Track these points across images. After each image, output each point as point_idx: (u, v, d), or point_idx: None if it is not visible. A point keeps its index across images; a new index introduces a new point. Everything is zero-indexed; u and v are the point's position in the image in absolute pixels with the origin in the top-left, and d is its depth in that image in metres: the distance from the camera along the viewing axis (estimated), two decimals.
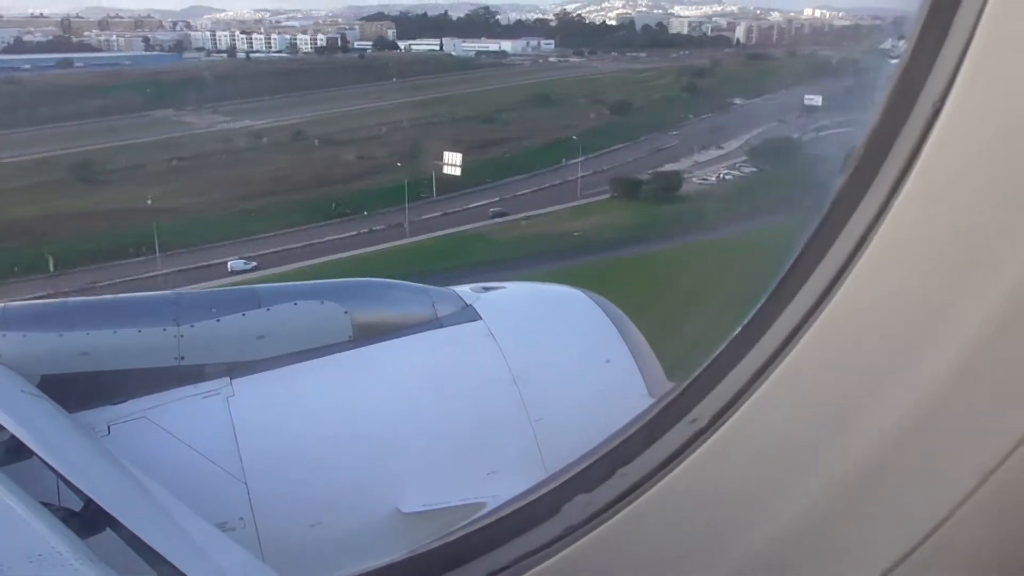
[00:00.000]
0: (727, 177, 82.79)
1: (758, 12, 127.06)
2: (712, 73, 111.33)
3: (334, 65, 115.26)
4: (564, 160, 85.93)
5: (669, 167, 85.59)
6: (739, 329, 1.85)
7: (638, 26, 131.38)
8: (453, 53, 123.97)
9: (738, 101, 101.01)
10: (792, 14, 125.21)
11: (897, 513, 1.68)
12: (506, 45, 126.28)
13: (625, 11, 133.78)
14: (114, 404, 4.22)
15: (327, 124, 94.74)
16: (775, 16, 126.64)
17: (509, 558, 1.90)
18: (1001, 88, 1.49)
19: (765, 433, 1.79)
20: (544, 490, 1.95)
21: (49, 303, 4.51)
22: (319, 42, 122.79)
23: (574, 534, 1.87)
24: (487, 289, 5.00)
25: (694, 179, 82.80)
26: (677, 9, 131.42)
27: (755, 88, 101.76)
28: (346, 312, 4.60)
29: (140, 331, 4.34)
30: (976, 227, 1.55)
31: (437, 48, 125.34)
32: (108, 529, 3.31)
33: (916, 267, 1.62)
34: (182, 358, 4.35)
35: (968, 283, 1.56)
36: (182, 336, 4.36)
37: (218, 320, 4.44)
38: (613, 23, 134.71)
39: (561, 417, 4.43)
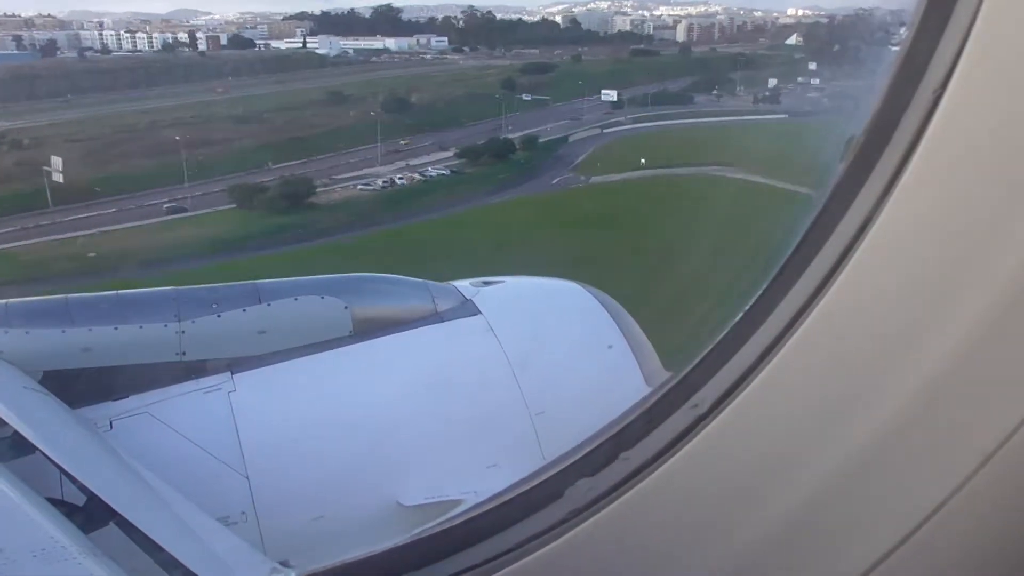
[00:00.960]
0: (401, 181, 77.39)
1: (740, 12, 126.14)
2: (555, 70, 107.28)
3: (167, 65, 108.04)
4: (269, 163, 78.51)
5: (352, 174, 79.09)
6: (741, 315, 1.87)
7: (584, 25, 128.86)
8: (320, 51, 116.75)
9: (545, 98, 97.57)
10: (775, 14, 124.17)
11: (898, 496, 1.70)
12: (390, 43, 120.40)
13: (605, 9, 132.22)
14: (116, 400, 4.24)
15: (59, 127, 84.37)
16: (755, 15, 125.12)
17: (514, 541, 1.92)
18: (1002, 76, 1.51)
19: (766, 418, 1.81)
20: (547, 474, 1.97)
21: (51, 299, 4.53)
22: (198, 42, 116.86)
23: (577, 517, 1.89)
24: (487, 284, 5.03)
25: (357, 185, 76.51)
26: (663, 9, 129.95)
27: (592, 85, 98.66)
28: (346, 307, 4.62)
29: (141, 327, 4.36)
30: (977, 214, 1.56)
31: (300, 47, 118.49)
32: (111, 523, 3.33)
33: (917, 253, 1.64)
34: (183, 353, 4.37)
35: (969, 269, 1.58)
36: (183, 332, 4.38)
37: (219, 316, 4.46)
38: (535, 20, 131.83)
39: (561, 410, 4.46)
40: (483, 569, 1.91)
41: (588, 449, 1.96)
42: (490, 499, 2.02)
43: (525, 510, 1.95)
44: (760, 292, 1.84)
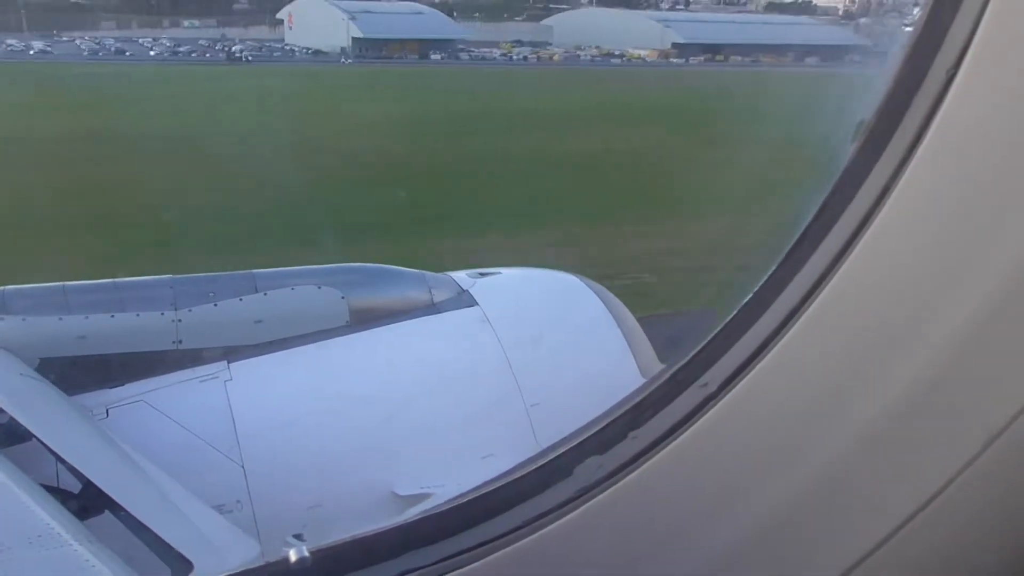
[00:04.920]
0: None
1: None
2: None
3: None
4: None
5: None
6: (751, 294, 1.88)
7: None
8: None
9: None
10: None
11: (904, 475, 1.71)
12: None
13: None
14: (112, 387, 4.24)
15: None
16: None
17: (524, 518, 1.93)
18: (1017, 54, 1.51)
19: (775, 397, 1.81)
20: (557, 452, 1.99)
21: (48, 287, 4.51)
22: None
23: (586, 495, 1.90)
24: (483, 275, 5.04)
25: None
26: None
27: None
28: (343, 297, 4.63)
29: (138, 315, 4.36)
30: (988, 194, 1.57)
31: None
32: (106, 511, 3.33)
33: (927, 233, 1.64)
34: (180, 342, 4.38)
35: (978, 249, 1.58)
36: (180, 320, 4.39)
37: (216, 305, 4.47)
38: None
39: (556, 401, 4.47)
40: (493, 545, 1.92)
41: (598, 427, 1.97)
42: (501, 476, 2.03)
43: (535, 488, 1.96)
44: (771, 272, 1.85)
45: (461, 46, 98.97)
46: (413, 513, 3.52)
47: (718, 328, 1.90)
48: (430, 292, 4.77)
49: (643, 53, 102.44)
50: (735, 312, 1.89)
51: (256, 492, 4.09)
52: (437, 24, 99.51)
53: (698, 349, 1.92)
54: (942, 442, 1.67)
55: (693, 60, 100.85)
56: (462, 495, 2.02)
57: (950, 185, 1.62)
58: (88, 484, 3.46)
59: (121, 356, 4.29)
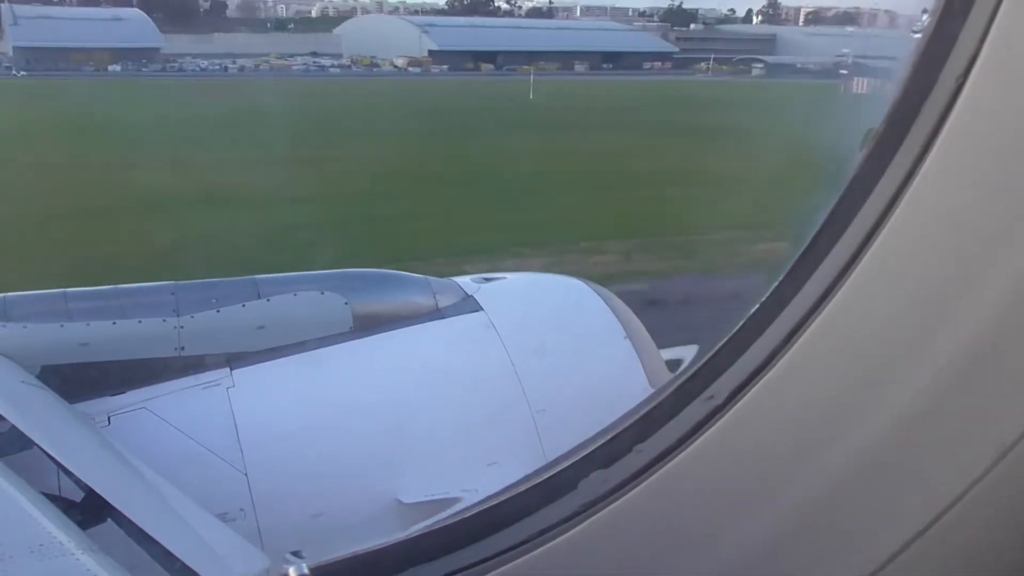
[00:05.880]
0: None
1: None
2: None
3: None
4: None
5: None
6: (757, 306, 1.85)
7: None
8: None
9: None
10: None
11: (916, 488, 1.68)
12: None
13: None
14: (114, 395, 4.22)
15: None
16: None
17: (528, 532, 1.91)
18: None
19: (782, 408, 1.79)
20: (561, 466, 1.96)
21: (49, 293, 4.50)
22: None
23: (591, 509, 1.88)
24: (488, 280, 5.01)
25: None
26: None
27: None
28: (347, 303, 4.60)
29: (140, 322, 4.34)
30: (998, 202, 1.55)
31: None
32: (109, 519, 3.31)
33: (937, 242, 1.62)
34: (182, 348, 4.35)
35: (989, 259, 1.56)
36: (182, 327, 4.36)
37: (218, 311, 4.44)
38: None
39: (562, 408, 4.44)
40: (497, 560, 1.90)
41: (602, 441, 1.94)
42: (505, 491, 2.01)
43: (539, 502, 1.94)
44: (777, 283, 1.83)
45: (170, 59, 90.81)
46: (417, 524, 3.50)
47: (725, 340, 1.87)
48: (434, 297, 4.74)
49: (399, 62, 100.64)
50: (742, 323, 1.86)
51: (259, 500, 4.06)
52: (136, 32, 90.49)
53: (704, 361, 1.89)
54: (954, 453, 1.64)
55: (435, 69, 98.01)
56: (465, 509, 2.01)
57: (960, 193, 1.59)
58: (90, 493, 3.43)
59: (123, 363, 4.27)
